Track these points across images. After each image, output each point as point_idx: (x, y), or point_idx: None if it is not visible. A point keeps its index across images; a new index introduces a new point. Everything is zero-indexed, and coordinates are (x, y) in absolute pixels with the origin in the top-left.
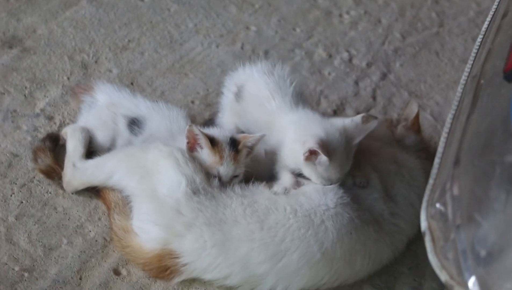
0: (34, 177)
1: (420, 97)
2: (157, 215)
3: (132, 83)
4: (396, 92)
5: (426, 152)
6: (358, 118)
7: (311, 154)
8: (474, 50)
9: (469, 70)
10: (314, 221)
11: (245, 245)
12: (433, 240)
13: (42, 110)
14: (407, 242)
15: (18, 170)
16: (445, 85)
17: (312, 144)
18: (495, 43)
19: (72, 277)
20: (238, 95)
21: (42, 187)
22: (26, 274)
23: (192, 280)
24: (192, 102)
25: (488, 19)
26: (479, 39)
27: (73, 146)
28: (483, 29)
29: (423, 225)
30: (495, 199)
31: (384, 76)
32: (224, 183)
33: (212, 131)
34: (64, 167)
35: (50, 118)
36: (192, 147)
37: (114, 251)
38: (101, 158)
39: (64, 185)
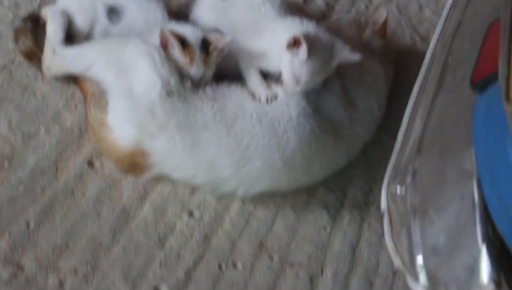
0: (14, 59)
1: None
2: (132, 114)
3: None
4: None
5: (389, 55)
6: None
7: (294, 44)
8: (444, 15)
9: (437, 36)
10: (278, 130)
11: (212, 149)
12: (390, 222)
13: None
14: (362, 147)
15: None
16: None
17: (299, 33)
18: (465, 15)
19: (49, 168)
20: None
21: (22, 70)
22: (6, 163)
23: (161, 177)
24: None
25: None
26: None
27: (53, 30)
28: None
29: (383, 204)
30: (449, 201)
31: None
32: (196, 84)
33: (184, 30)
34: (44, 51)
35: None
36: (165, 46)
37: (88, 142)
38: (80, 48)
39: (44, 69)
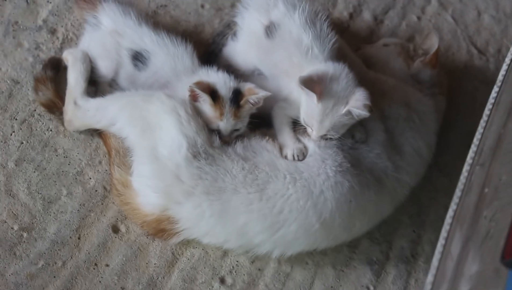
0: (35, 111)
1: None
2: (156, 180)
3: None
4: None
5: (440, 86)
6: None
7: (308, 81)
8: None
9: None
10: (314, 191)
11: (243, 216)
12: None
13: (44, 21)
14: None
15: (18, 101)
16: None
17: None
18: None
19: (70, 237)
20: (270, 31)
21: (42, 123)
22: (25, 235)
23: (191, 241)
24: (202, 6)
25: None
26: None
27: (75, 79)
28: None
29: None
30: None
31: None
32: (224, 139)
33: (215, 78)
34: (65, 102)
35: (53, 32)
36: (194, 98)
37: (113, 203)
38: (103, 100)
39: (65, 123)
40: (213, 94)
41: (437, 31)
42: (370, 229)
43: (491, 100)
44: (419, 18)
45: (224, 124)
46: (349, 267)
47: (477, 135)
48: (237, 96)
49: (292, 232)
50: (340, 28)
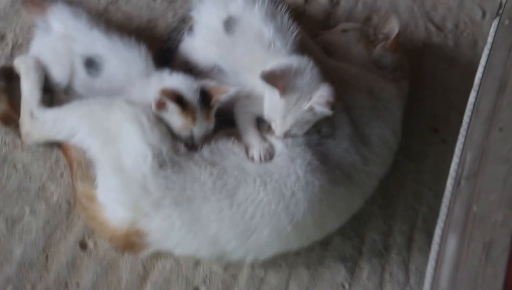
0: None
1: None
2: (123, 192)
3: None
4: None
5: (402, 70)
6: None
7: (270, 76)
8: None
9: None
10: (285, 193)
11: (214, 224)
12: None
13: None
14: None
15: None
16: None
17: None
18: None
19: (38, 258)
20: (229, 26)
21: None
22: None
23: (161, 252)
24: None
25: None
26: None
27: (29, 89)
28: None
29: None
30: None
31: None
32: (192, 145)
33: (177, 82)
34: (21, 113)
35: (1, 38)
36: (160, 107)
37: (78, 217)
38: (61, 111)
39: (23, 136)
40: (180, 100)
41: (394, 10)
42: (341, 225)
43: (469, 106)
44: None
45: (198, 129)
46: (323, 266)
47: (458, 145)
48: (204, 96)
49: (265, 237)
50: (296, 13)
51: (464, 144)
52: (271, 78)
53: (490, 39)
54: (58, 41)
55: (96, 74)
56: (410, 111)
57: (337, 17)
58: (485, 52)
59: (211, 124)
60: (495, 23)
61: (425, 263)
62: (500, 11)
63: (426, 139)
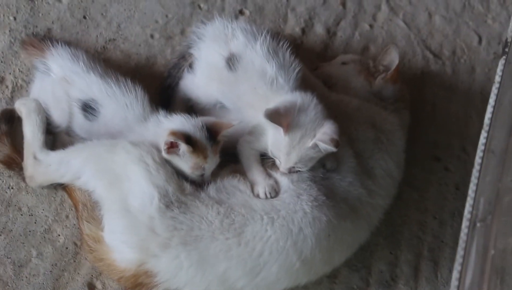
0: None
1: None
2: (130, 234)
3: (84, 17)
4: None
5: (403, 100)
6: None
7: (274, 114)
8: None
9: None
10: (293, 230)
11: (223, 263)
12: None
13: None
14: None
15: None
16: None
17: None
18: None
19: None
20: (232, 63)
21: (2, 181)
22: None
23: None
24: (152, 36)
25: None
26: None
27: (31, 132)
28: None
29: None
30: None
31: None
32: (204, 181)
33: (180, 123)
34: (24, 157)
35: (1, 81)
36: (171, 149)
37: (86, 259)
38: (65, 153)
39: (27, 179)
40: (188, 140)
41: (391, 39)
42: (348, 257)
43: (480, 146)
44: (371, 26)
45: (209, 165)
46: None
47: (472, 187)
48: (210, 132)
49: (274, 274)
50: (294, 45)
51: (477, 186)
52: (275, 116)
53: (497, 78)
54: (57, 85)
55: (92, 119)
56: (412, 140)
57: (334, 48)
58: (494, 91)
59: (218, 159)
60: (501, 62)
61: None
62: (506, 50)
63: (428, 168)
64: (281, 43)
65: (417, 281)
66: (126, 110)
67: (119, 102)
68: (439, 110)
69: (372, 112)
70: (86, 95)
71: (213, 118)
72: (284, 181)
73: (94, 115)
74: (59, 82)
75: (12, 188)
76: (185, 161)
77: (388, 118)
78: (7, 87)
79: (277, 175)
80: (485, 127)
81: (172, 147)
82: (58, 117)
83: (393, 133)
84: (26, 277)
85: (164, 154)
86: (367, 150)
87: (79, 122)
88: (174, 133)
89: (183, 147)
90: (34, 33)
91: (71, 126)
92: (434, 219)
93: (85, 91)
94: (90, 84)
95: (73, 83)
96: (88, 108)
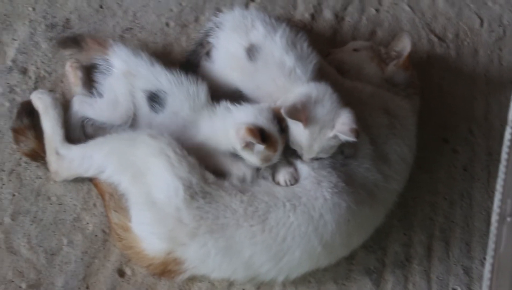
0: (20, 159)
1: None
2: (158, 226)
3: (101, 6)
4: None
5: (414, 86)
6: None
7: (293, 110)
8: None
9: None
10: (314, 216)
11: (248, 249)
12: None
13: (13, 61)
14: None
15: (3, 151)
16: None
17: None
18: None
19: (79, 288)
20: (252, 53)
21: (31, 171)
22: None
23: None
24: (167, 24)
25: None
26: None
27: (51, 128)
28: None
29: None
30: None
31: None
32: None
33: (250, 112)
34: (46, 152)
35: (24, 72)
36: (248, 146)
37: (114, 246)
38: (87, 148)
39: (52, 175)
40: (262, 134)
41: (396, 23)
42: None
43: (506, 142)
44: (377, 10)
45: (278, 155)
46: (350, 280)
47: (500, 182)
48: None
49: (296, 258)
50: (304, 31)
51: (504, 180)
52: (293, 112)
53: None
54: (121, 79)
55: (159, 109)
56: (421, 123)
57: (343, 33)
58: None
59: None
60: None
61: (445, 272)
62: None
63: (437, 150)
64: (299, 35)
65: (430, 261)
66: (193, 99)
67: (186, 91)
68: (446, 92)
69: (385, 98)
70: (153, 85)
71: (268, 104)
72: (304, 168)
73: (161, 105)
74: (123, 76)
75: (41, 178)
76: (256, 155)
77: (401, 104)
78: (30, 78)
79: (298, 162)
80: (510, 122)
81: (247, 145)
82: (124, 114)
83: (406, 119)
84: (59, 265)
85: (239, 149)
86: (381, 135)
87: (143, 114)
88: (251, 132)
89: (259, 146)
90: (53, 24)
91: (134, 123)
92: (445, 200)
93: (152, 82)
94: (156, 75)
95: (139, 75)
96: (155, 98)
